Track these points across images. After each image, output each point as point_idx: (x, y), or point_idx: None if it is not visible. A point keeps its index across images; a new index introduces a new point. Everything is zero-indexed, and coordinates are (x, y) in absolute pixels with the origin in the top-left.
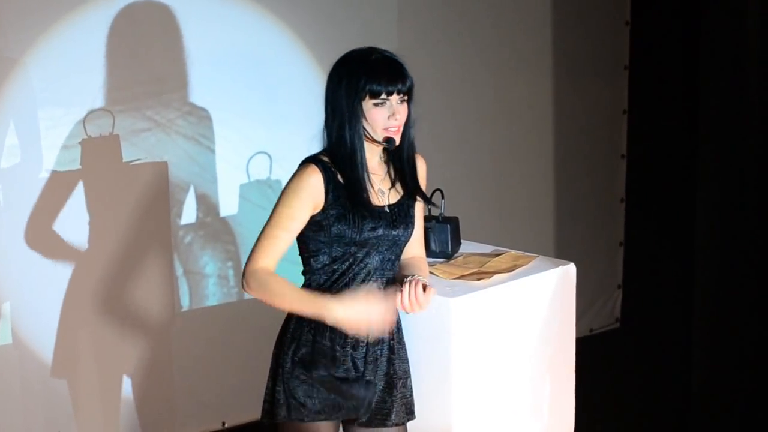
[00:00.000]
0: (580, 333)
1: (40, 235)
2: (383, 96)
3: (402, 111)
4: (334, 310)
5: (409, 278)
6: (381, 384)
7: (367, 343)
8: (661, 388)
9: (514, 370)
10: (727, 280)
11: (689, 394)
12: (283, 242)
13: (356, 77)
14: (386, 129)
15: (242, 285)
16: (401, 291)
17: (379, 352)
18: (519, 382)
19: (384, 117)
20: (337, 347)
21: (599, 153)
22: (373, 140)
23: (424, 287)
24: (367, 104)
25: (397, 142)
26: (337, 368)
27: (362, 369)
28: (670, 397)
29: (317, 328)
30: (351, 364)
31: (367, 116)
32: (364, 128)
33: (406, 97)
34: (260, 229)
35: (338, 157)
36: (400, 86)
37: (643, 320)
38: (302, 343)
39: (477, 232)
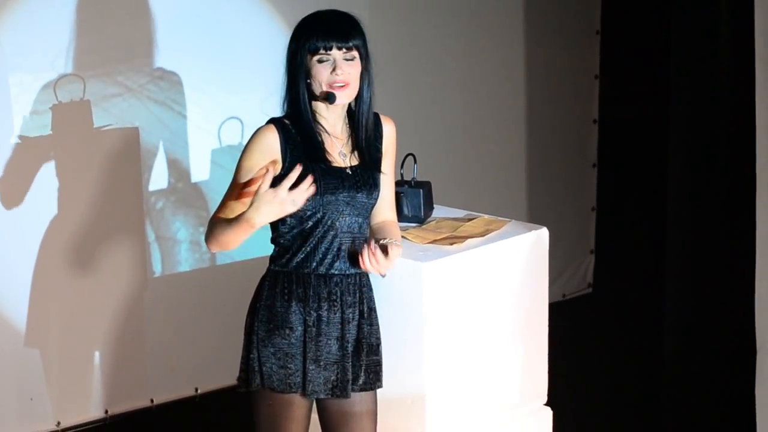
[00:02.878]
0: (552, 298)
1: (10, 201)
2: (322, 51)
3: (347, 67)
4: (252, 213)
5: (373, 242)
6: (351, 349)
7: (341, 304)
8: (634, 354)
9: (486, 335)
10: (699, 245)
11: (661, 360)
12: (238, 201)
13: (300, 36)
14: (330, 85)
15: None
16: (361, 254)
17: (350, 315)
18: (491, 347)
19: (327, 73)
20: (310, 311)
21: (571, 118)
22: (318, 97)
23: (385, 248)
24: (312, 62)
25: (342, 100)
26: (306, 333)
27: (332, 332)
28: (643, 363)
29: (290, 292)
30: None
31: (312, 73)
32: (312, 86)
33: (353, 54)
34: None
35: (293, 117)
36: (339, 41)
37: (615, 285)
38: (275, 311)
39: (449, 196)
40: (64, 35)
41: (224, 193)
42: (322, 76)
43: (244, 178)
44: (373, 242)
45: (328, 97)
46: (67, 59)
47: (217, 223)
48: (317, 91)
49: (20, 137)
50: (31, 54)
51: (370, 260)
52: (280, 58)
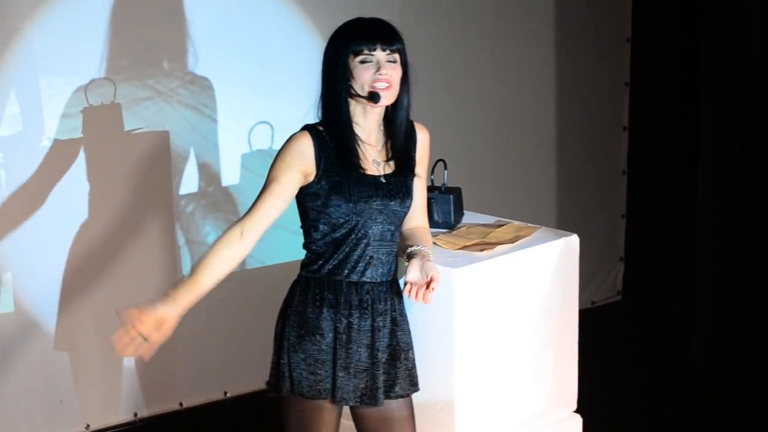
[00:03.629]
0: (581, 305)
1: (41, 203)
2: (366, 52)
3: (390, 69)
4: (168, 307)
5: (412, 274)
6: (384, 356)
7: (372, 312)
8: (663, 361)
9: (516, 341)
10: (729, 252)
11: (690, 367)
12: (270, 207)
13: (341, 40)
14: (373, 86)
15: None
16: (408, 292)
17: (381, 323)
18: (522, 353)
19: (370, 73)
20: (341, 318)
21: (601, 125)
22: (361, 96)
23: (428, 284)
24: (354, 63)
25: (386, 102)
26: (336, 339)
27: (364, 340)
28: (671, 370)
29: (321, 299)
30: (348, 332)
31: (354, 74)
32: (353, 87)
33: (395, 57)
34: None
35: (328, 123)
36: (383, 43)
37: (644, 293)
38: (306, 317)
39: (479, 203)
40: (96, 38)
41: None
42: (365, 76)
43: (276, 184)
44: (418, 287)
45: (373, 97)
46: (98, 62)
47: (201, 262)
48: (360, 92)
49: (51, 140)
50: (62, 57)
51: (416, 296)
52: (311, 62)
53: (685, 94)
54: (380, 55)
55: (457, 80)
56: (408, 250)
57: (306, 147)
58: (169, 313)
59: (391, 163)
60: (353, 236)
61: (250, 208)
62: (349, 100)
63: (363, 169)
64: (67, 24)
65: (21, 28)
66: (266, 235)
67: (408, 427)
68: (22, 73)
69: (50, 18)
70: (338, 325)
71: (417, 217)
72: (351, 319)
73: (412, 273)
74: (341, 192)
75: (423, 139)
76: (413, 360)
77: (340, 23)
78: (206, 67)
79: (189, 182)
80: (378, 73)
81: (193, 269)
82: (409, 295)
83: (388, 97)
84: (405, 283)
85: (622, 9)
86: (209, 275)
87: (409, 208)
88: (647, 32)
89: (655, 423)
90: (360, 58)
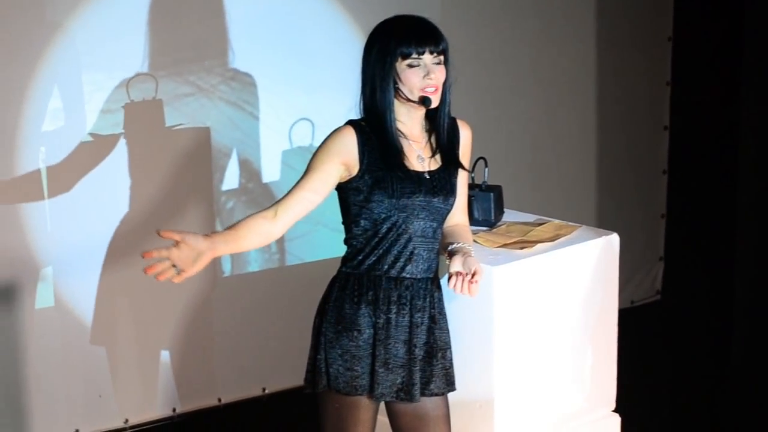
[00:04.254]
0: (621, 305)
1: (82, 198)
2: (415, 56)
3: (438, 71)
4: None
5: (455, 267)
6: (421, 353)
7: (411, 308)
8: (702, 361)
9: (555, 340)
10: None
11: (728, 368)
12: (307, 192)
13: (387, 41)
14: (423, 90)
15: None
16: (453, 285)
17: (419, 319)
18: (560, 352)
19: (419, 77)
20: (380, 314)
21: (642, 124)
22: (410, 101)
23: (473, 276)
24: (402, 66)
25: (435, 104)
26: (375, 334)
27: (401, 336)
28: (711, 371)
29: (359, 295)
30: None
31: (402, 79)
32: (401, 91)
33: (440, 58)
34: None
35: (372, 122)
36: (431, 46)
37: (684, 293)
38: (343, 312)
39: (520, 201)
40: (137, 34)
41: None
42: (414, 81)
43: (315, 172)
44: (462, 277)
45: (424, 102)
46: (140, 58)
47: (236, 226)
48: (410, 96)
49: (92, 135)
50: (104, 52)
51: (462, 288)
52: (352, 59)
53: (726, 93)
54: (428, 58)
55: (498, 79)
56: (449, 248)
57: (349, 140)
58: (206, 249)
59: (436, 159)
60: (394, 231)
61: (287, 193)
62: (394, 100)
63: (407, 165)
64: (110, 20)
65: (63, 24)
66: (306, 232)
67: (443, 427)
68: (65, 68)
69: (92, 14)
70: (377, 321)
71: (458, 214)
72: (389, 315)
73: (455, 266)
74: (384, 187)
75: (466, 135)
76: (450, 359)
77: (380, 18)
78: (247, 63)
79: (229, 178)
80: (428, 78)
81: (230, 226)
82: (453, 288)
83: (436, 100)
84: (449, 277)
85: (663, 8)
86: (242, 234)
87: (452, 205)
88: (689, 31)
89: (693, 423)
90: (408, 61)
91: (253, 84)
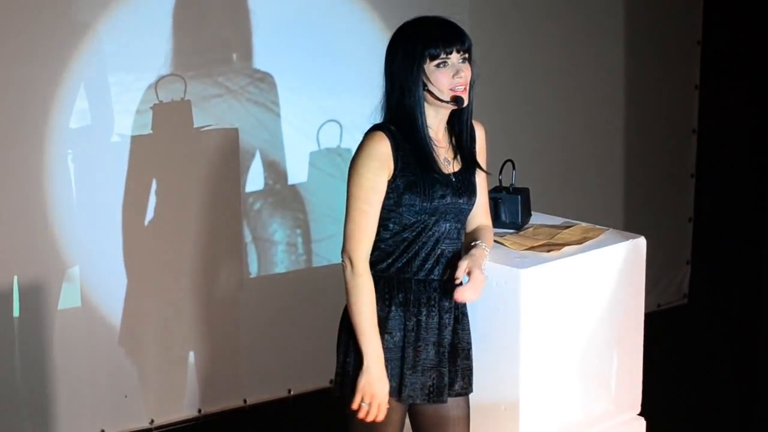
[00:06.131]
0: (647, 308)
1: (110, 199)
2: (443, 56)
3: (465, 69)
4: (371, 366)
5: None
6: (445, 353)
7: (439, 309)
8: (728, 366)
9: (582, 342)
10: None
11: (756, 372)
12: (372, 218)
13: (413, 43)
14: (452, 89)
15: (342, 266)
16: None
17: (447, 320)
18: (587, 355)
19: (449, 77)
20: (411, 316)
21: (670, 128)
22: (441, 101)
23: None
24: (430, 68)
25: (466, 103)
26: (405, 338)
27: (430, 337)
28: (737, 375)
29: (390, 297)
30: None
31: (431, 80)
32: (431, 92)
33: (466, 56)
34: (330, 200)
35: (401, 125)
36: (458, 45)
37: (711, 297)
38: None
39: (547, 203)
40: (165, 35)
41: (346, 211)
42: (443, 81)
43: (368, 191)
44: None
45: (457, 101)
46: (168, 59)
47: (366, 302)
48: (442, 96)
49: (120, 136)
50: (132, 54)
51: (462, 295)
52: (380, 60)
53: (755, 97)
54: (454, 57)
55: (526, 81)
56: (470, 251)
57: (384, 148)
58: (375, 370)
59: (458, 159)
60: (424, 234)
61: (355, 227)
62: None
63: (438, 169)
64: (137, 21)
65: (91, 25)
66: (332, 234)
67: (463, 427)
68: (92, 69)
69: (120, 15)
70: (408, 323)
71: (480, 215)
72: (420, 317)
73: (457, 271)
74: (416, 191)
75: (481, 135)
76: (472, 360)
77: (408, 19)
78: (275, 64)
79: (257, 180)
80: (457, 76)
81: (367, 323)
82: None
83: (466, 98)
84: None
85: (693, 12)
86: (374, 317)
87: (473, 205)
88: (718, 35)
89: (720, 428)
90: (436, 62)
91: (281, 85)
